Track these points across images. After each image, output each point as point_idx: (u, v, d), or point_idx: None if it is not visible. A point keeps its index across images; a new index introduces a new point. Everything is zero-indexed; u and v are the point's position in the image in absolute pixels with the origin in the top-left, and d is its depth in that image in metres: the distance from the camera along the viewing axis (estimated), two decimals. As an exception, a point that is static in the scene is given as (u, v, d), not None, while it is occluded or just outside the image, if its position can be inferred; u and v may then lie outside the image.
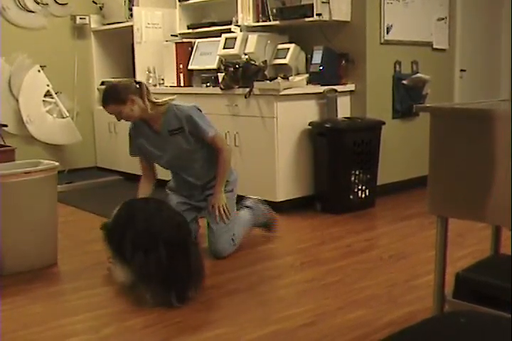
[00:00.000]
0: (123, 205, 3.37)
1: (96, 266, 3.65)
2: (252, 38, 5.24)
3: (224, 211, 3.79)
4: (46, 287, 3.38)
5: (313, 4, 4.89)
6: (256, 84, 4.80)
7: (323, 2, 4.87)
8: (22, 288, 3.33)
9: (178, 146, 3.75)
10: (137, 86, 3.65)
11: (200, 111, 3.79)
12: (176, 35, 6.09)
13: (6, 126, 5.95)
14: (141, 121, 3.77)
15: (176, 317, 2.90)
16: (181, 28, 6.07)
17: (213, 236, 3.78)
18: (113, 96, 3.59)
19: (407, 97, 5.38)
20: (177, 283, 3.02)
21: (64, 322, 2.88)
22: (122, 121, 3.73)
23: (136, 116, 3.67)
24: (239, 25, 5.45)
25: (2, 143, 5.82)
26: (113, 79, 6.65)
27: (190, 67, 5.72)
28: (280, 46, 5.28)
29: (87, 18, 6.58)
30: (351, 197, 4.92)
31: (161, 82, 6.01)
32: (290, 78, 4.95)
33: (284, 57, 5.18)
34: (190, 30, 6.00)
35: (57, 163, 3.73)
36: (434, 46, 5.68)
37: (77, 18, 6.51)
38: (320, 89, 4.95)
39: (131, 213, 3.23)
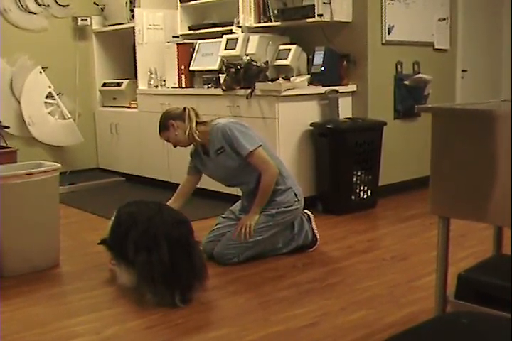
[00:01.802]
0: (122, 208, 3.38)
1: (98, 267, 3.65)
2: (254, 38, 5.24)
3: (245, 232, 3.68)
4: (48, 288, 3.38)
5: (314, 5, 4.89)
6: (257, 85, 4.80)
7: (324, 3, 4.87)
8: (24, 290, 3.34)
9: (224, 165, 3.73)
10: (181, 111, 3.75)
11: (243, 126, 3.72)
12: (178, 37, 6.09)
13: (7, 127, 5.96)
14: (199, 145, 3.82)
15: (177, 318, 2.91)
16: (183, 29, 6.07)
17: (222, 240, 3.75)
18: (159, 125, 3.81)
19: (408, 98, 5.38)
20: (181, 283, 3.03)
21: (66, 324, 2.88)
22: (174, 145, 3.89)
23: (183, 140, 3.78)
24: (240, 26, 5.44)
25: (4, 144, 5.83)
26: (114, 81, 6.68)
27: (191, 68, 5.72)
28: (281, 47, 5.28)
29: (88, 19, 6.57)
30: (353, 197, 4.92)
31: (163, 83, 6.01)
32: (291, 79, 4.96)
33: (286, 58, 5.18)
34: (192, 32, 6.01)
35: (59, 165, 3.73)
36: (436, 46, 5.68)
37: (79, 19, 6.51)
38: (321, 89, 4.95)
39: (132, 215, 3.23)
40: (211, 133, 3.71)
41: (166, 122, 3.76)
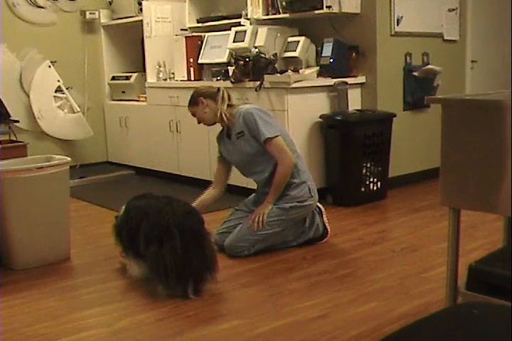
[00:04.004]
0: (132, 202, 3.40)
1: (108, 260, 3.67)
2: (262, 31, 5.23)
3: (258, 221, 3.68)
4: (59, 281, 3.39)
5: (322, -4, 4.87)
6: (266, 77, 4.79)
7: (332, -6, 4.86)
8: (35, 283, 3.36)
9: (242, 150, 3.76)
10: (215, 91, 3.81)
11: (266, 114, 3.74)
12: (186, 29, 6.08)
13: (17, 121, 5.97)
14: (225, 128, 3.87)
15: (188, 310, 2.92)
16: (191, 22, 6.06)
17: (233, 232, 3.76)
18: (189, 99, 3.86)
19: (417, 89, 5.36)
20: (193, 274, 3.04)
21: (77, 316, 2.90)
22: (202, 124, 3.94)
23: (208, 119, 3.84)
24: (248, 19, 5.44)
25: (14, 138, 5.85)
26: (123, 74, 6.68)
27: (200, 60, 5.71)
28: (290, 39, 5.27)
29: (96, 13, 6.58)
30: (363, 189, 4.91)
31: (172, 76, 6.01)
32: (300, 71, 4.94)
33: (294, 50, 5.17)
34: (200, 24, 5.99)
35: (69, 158, 3.74)
36: (445, 37, 5.65)
37: (87, 13, 6.52)
38: (330, 81, 4.94)
39: (142, 208, 3.24)
40: (235, 117, 3.75)
41: (197, 98, 3.81)
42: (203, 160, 5.37)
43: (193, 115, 3.88)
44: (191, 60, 5.73)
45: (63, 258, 3.73)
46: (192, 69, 5.73)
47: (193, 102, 3.83)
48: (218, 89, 3.82)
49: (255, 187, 3.99)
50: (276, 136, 3.66)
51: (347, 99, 4.99)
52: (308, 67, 5.18)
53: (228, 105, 3.80)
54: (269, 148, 3.67)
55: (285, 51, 5.25)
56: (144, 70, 6.24)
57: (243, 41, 5.28)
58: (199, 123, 3.91)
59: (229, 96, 3.83)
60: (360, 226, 4.31)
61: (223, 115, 3.76)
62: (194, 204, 3.60)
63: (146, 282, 3.16)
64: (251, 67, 4.92)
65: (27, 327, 2.79)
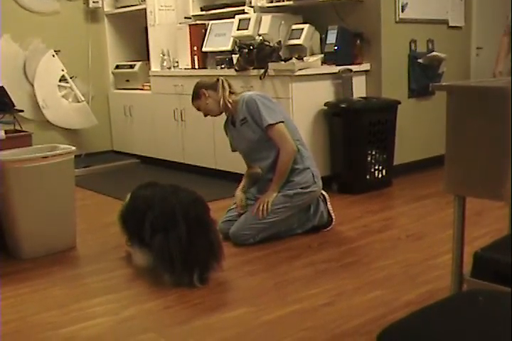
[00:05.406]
0: (137, 191, 3.40)
1: (114, 249, 3.68)
2: (266, 18, 5.21)
3: (263, 208, 3.69)
4: (65, 270, 3.41)
5: (326, -17, 4.85)
6: (271, 65, 4.78)
7: (336, -19, 4.83)
8: (41, 272, 3.37)
9: (246, 137, 3.79)
10: (214, 81, 3.83)
11: (269, 100, 3.76)
12: (190, 17, 6.06)
13: (22, 111, 5.97)
14: (230, 115, 3.89)
15: (194, 298, 2.93)
16: (194, 10, 6.04)
17: (239, 220, 3.77)
18: (192, 93, 3.88)
19: (422, 76, 5.34)
20: (199, 262, 3.05)
21: (84, 305, 2.91)
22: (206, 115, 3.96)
23: (213, 109, 3.86)
24: (252, 6, 5.42)
25: (19, 128, 5.85)
26: (127, 63, 6.67)
27: (204, 49, 5.70)
28: (294, 26, 5.25)
29: (100, 1, 6.56)
30: (368, 177, 4.91)
31: (176, 64, 5.99)
32: (305, 58, 4.93)
33: (299, 38, 5.15)
34: (204, 12, 5.97)
35: (73, 147, 3.75)
36: (450, 24, 5.62)
37: (90, 1, 6.50)
38: (335, 69, 4.92)
39: (148, 197, 3.25)
40: (239, 104, 3.77)
41: (198, 91, 3.83)
42: (207, 149, 5.37)
43: (198, 109, 3.91)
44: (195, 48, 5.72)
45: (69, 247, 3.74)
46: (196, 57, 5.72)
47: (196, 96, 3.86)
48: (217, 79, 3.84)
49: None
50: (278, 123, 3.67)
51: (351, 86, 4.98)
52: (312, 54, 5.16)
53: (230, 92, 3.83)
54: (270, 134, 3.69)
55: (289, 39, 5.23)
56: (148, 59, 6.24)
57: (247, 29, 5.26)
58: (205, 116, 3.94)
59: (229, 84, 3.85)
60: (365, 214, 4.31)
61: (227, 102, 3.78)
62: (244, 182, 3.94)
63: (152, 271, 3.17)
64: (255, 55, 4.90)
65: (34, 316, 2.80)
